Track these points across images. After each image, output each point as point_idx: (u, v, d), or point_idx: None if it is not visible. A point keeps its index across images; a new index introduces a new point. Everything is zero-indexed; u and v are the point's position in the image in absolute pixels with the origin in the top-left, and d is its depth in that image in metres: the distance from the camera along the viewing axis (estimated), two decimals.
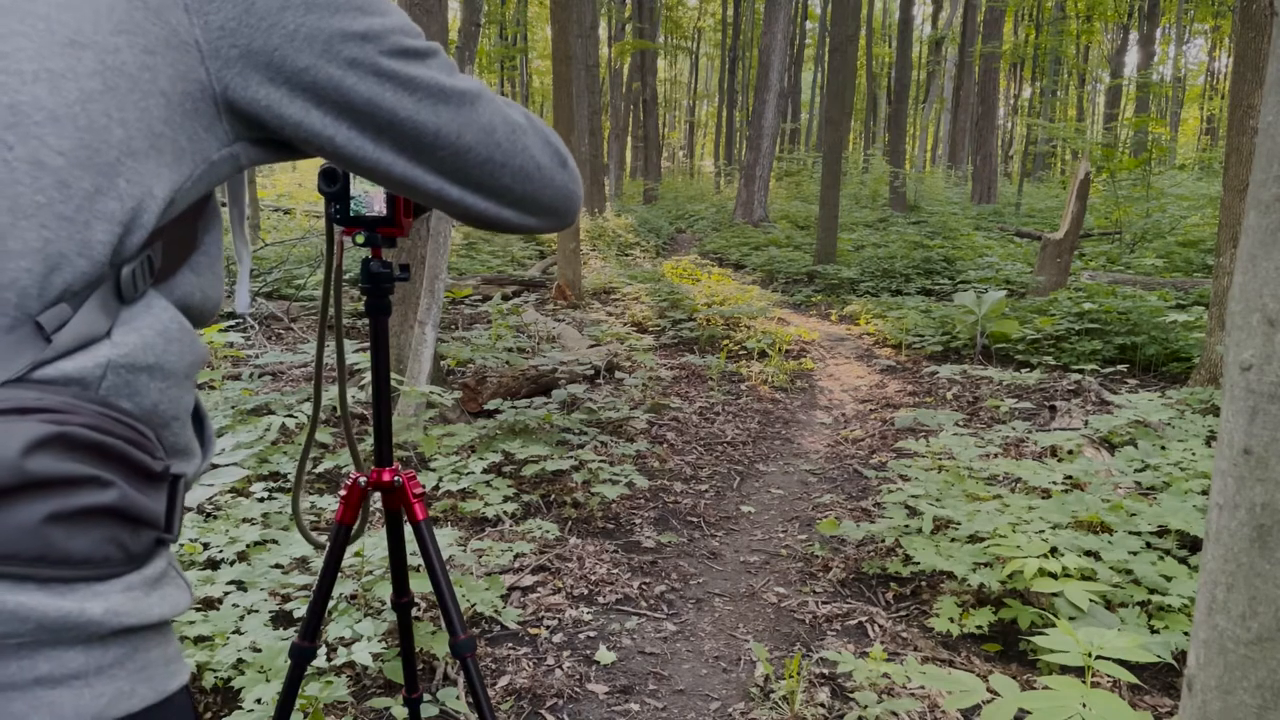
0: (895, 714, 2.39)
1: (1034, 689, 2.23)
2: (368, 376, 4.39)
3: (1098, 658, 1.81)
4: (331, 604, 2.53)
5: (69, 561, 0.58)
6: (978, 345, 7.55)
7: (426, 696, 2.39)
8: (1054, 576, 2.77)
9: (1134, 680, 1.94)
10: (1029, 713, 1.66)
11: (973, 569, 2.99)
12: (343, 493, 1.54)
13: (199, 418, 0.77)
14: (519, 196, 0.85)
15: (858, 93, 33.97)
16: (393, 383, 1.86)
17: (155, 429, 0.67)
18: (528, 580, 3.26)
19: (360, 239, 1.39)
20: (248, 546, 2.79)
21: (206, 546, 2.80)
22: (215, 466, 2.84)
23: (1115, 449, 4.38)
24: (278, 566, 2.73)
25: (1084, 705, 1.62)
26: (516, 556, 3.38)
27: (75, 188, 0.61)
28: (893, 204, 19.13)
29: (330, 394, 4.69)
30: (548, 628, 2.93)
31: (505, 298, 9.14)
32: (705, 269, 11.60)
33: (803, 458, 5.15)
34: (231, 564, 2.69)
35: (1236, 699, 1.09)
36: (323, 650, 2.39)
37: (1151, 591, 2.79)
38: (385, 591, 2.63)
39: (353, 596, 2.71)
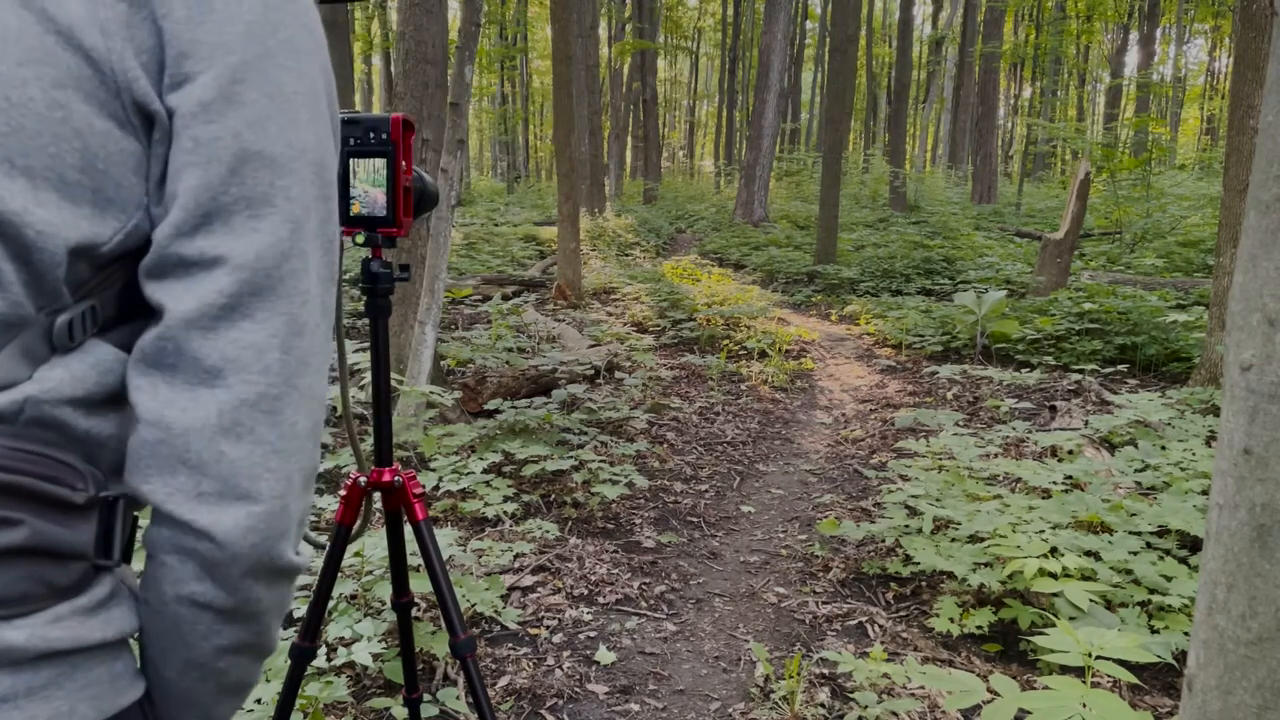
0: (895, 714, 2.39)
1: (1034, 689, 2.23)
2: (368, 376, 4.39)
3: (1098, 658, 1.81)
4: (331, 604, 2.53)
5: None
6: (978, 345, 7.54)
7: (426, 696, 2.39)
8: (1054, 576, 2.77)
9: (1134, 680, 1.94)
10: (1029, 713, 1.66)
11: (973, 569, 2.99)
12: (343, 493, 1.54)
13: None
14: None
15: (858, 93, 33.97)
16: (393, 383, 1.86)
17: (88, 449, 0.64)
18: (528, 580, 3.25)
19: (360, 239, 1.39)
20: None
21: None
22: None
23: (1115, 449, 4.38)
24: None
25: (1084, 705, 1.62)
26: (516, 556, 3.38)
27: None
28: (893, 204, 19.12)
29: (331, 393, 4.68)
30: (548, 628, 2.93)
31: (505, 298, 9.14)
32: (705, 269, 11.60)
33: (803, 458, 5.15)
34: None
35: (1236, 699, 1.09)
36: (323, 650, 2.39)
37: (1152, 591, 2.79)
38: (385, 591, 2.63)
39: (353, 596, 2.71)
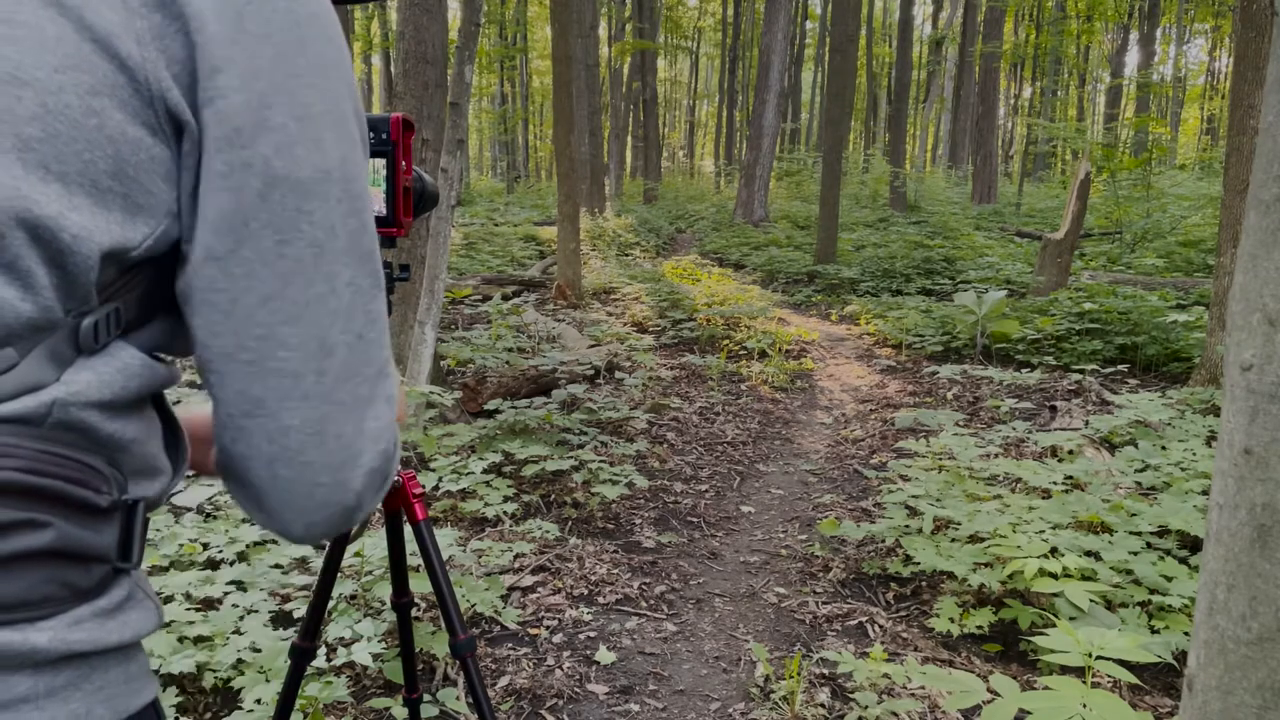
0: (895, 714, 2.39)
1: (1034, 689, 2.23)
2: None
3: (1098, 658, 1.81)
4: (331, 604, 2.53)
5: (3, 606, 0.57)
6: (978, 345, 7.54)
7: (426, 697, 2.39)
8: (1054, 577, 2.77)
9: (1134, 680, 1.94)
10: (1029, 713, 1.66)
11: (973, 569, 2.99)
12: None
13: (173, 431, 0.74)
14: None
15: (858, 93, 33.96)
16: None
17: (111, 452, 0.64)
18: (528, 580, 3.25)
19: None
20: (248, 546, 2.79)
21: (206, 546, 2.80)
22: None
23: (1115, 449, 4.38)
24: (277, 566, 2.73)
25: (1084, 705, 1.62)
26: (516, 556, 3.37)
27: (10, 238, 0.58)
28: (893, 204, 19.13)
29: None
30: (548, 628, 2.93)
31: (505, 298, 9.14)
32: (705, 269, 11.60)
33: (803, 458, 5.15)
34: (231, 564, 2.69)
35: (1237, 699, 1.09)
36: (323, 650, 2.39)
37: (1152, 592, 2.79)
38: (385, 591, 2.63)
39: (353, 596, 2.71)
